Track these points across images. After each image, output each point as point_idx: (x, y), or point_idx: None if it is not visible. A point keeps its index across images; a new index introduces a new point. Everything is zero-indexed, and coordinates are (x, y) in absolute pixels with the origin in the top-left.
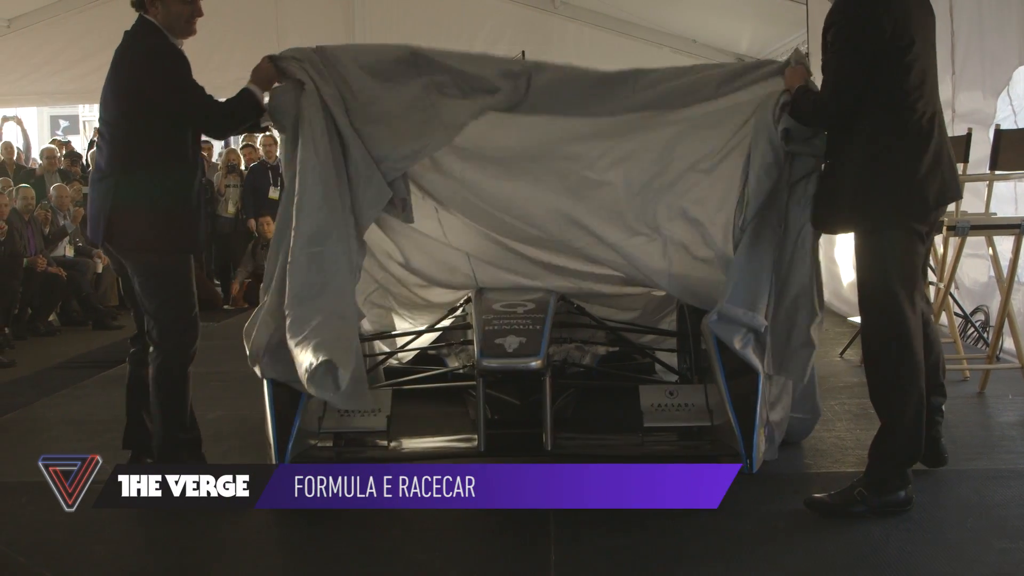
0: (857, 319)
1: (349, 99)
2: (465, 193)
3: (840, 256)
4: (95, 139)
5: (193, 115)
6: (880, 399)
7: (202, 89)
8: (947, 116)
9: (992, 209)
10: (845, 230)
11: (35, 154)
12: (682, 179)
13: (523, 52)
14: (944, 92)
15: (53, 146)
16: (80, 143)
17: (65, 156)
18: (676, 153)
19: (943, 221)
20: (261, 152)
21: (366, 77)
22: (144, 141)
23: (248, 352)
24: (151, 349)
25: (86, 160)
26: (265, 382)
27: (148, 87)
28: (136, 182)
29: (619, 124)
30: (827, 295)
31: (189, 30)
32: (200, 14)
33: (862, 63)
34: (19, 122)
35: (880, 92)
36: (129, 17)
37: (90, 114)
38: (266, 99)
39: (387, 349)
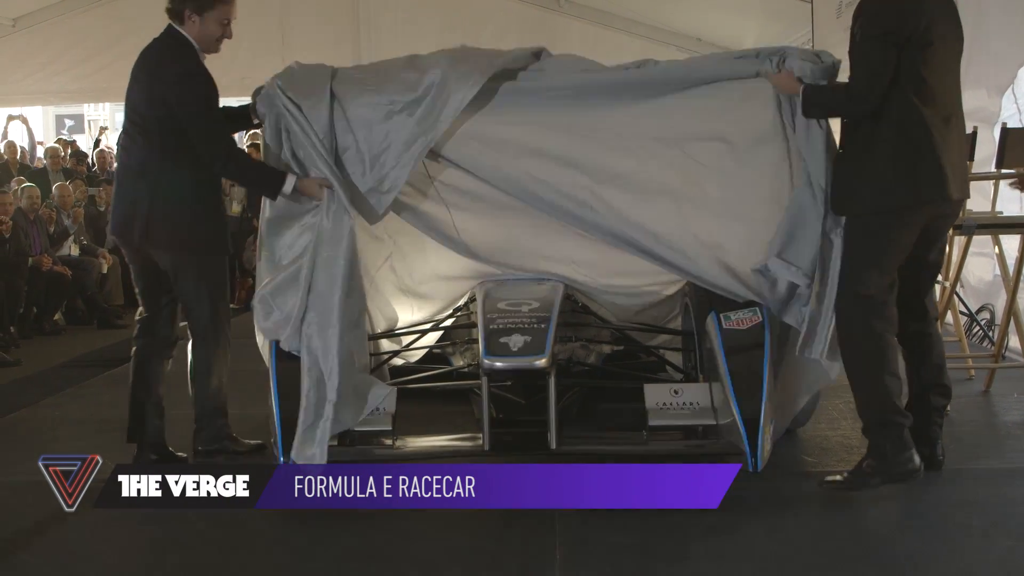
0: None
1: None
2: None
3: None
4: (120, 138)
5: (205, 150)
6: (851, 373)
7: (226, 130)
8: None
9: (999, 208)
10: (842, 212)
11: (40, 153)
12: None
13: None
14: None
15: (57, 145)
16: (85, 142)
17: (71, 155)
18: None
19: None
20: None
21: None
22: (180, 145)
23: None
24: (191, 341)
25: (92, 159)
26: (271, 384)
27: (179, 110)
28: (175, 183)
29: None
30: None
31: (216, 48)
32: (230, 36)
33: (892, 52)
34: (24, 121)
35: (903, 82)
36: (132, 16)
37: (95, 113)
38: (289, 186)
39: (392, 347)
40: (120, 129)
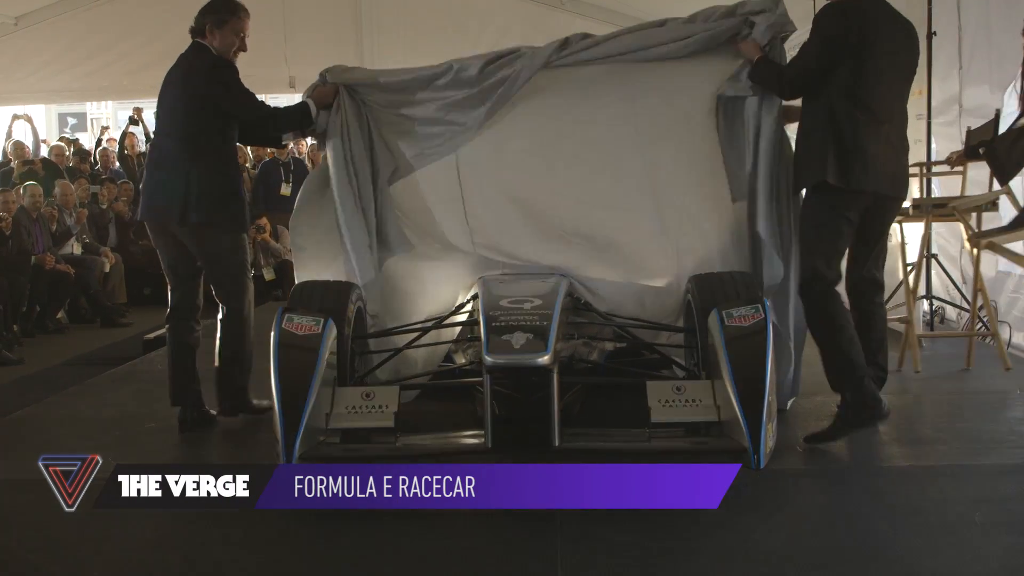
0: None
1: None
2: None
3: None
4: (154, 137)
5: (250, 115)
6: (814, 333)
7: (252, 94)
8: (954, 111)
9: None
10: (794, 189)
11: (44, 152)
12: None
13: None
14: (951, 87)
15: (62, 144)
16: (88, 140)
17: (74, 154)
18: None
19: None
20: (271, 148)
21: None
22: (210, 139)
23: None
24: (221, 310)
25: (95, 157)
26: (273, 382)
27: (216, 94)
28: (203, 173)
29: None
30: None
31: (234, 56)
32: (244, 48)
33: (824, 57)
34: (29, 120)
35: (839, 83)
36: (134, 15)
37: (97, 111)
38: (312, 106)
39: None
40: (122, 127)
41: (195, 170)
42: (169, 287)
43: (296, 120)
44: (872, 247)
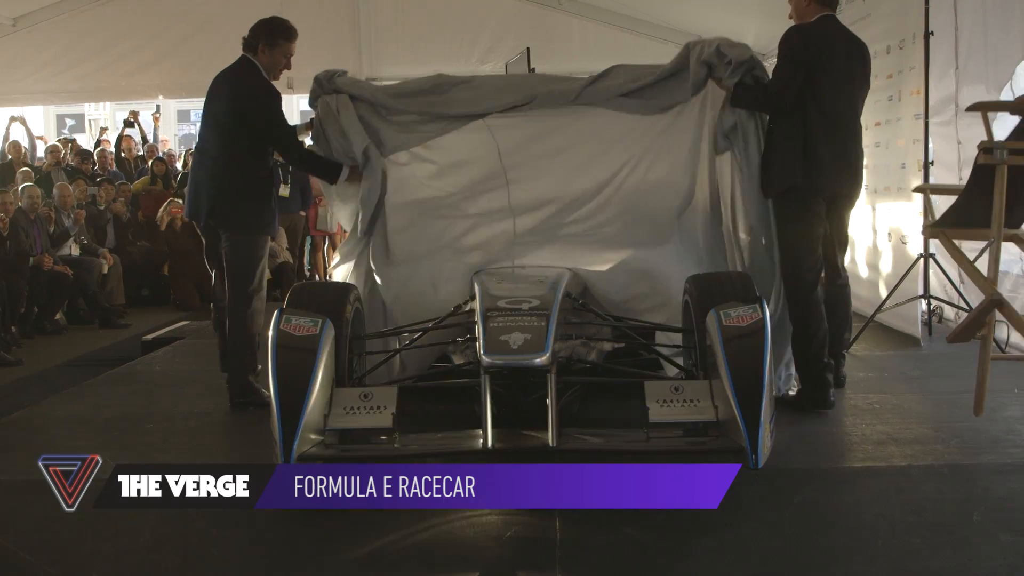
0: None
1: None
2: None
3: (855, 254)
4: (197, 142)
5: (277, 146)
6: (791, 314)
7: (290, 128)
8: (950, 110)
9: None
10: (765, 195)
11: (40, 153)
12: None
13: (527, 49)
14: (947, 87)
15: (58, 144)
16: (86, 141)
17: (75, 154)
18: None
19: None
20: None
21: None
22: (244, 153)
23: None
24: (234, 300)
25: (94, 159)
26: (271, 382)
27: (258, 116)
28: (239, 178)
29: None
30: None
31: (278, 76)
32: (289, 67)
33: (799, 74)
34: (23, 122)
35: (803, 96)
36: (132, 16)
37: (95, 112)
38: (344, 174)
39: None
40: (119, 128)
41: (227, 177)
42: (212, 271)
43: (321, 172)
44: (834, 237)
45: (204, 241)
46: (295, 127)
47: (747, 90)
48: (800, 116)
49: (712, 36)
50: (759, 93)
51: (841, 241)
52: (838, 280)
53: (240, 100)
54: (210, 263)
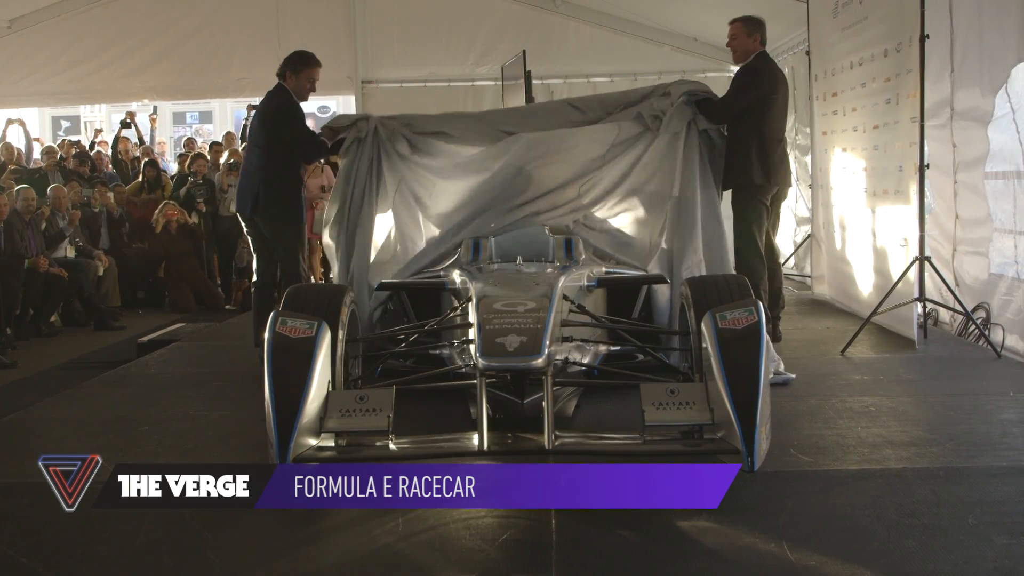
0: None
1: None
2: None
3: (852, 257)
4: (245, 150)
5: (299, 150)
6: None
7: (312, 133)
8: (945, 113)
9: (992, 207)
10: (724, 187)
11: (37, 154)
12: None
13: (524, 52)
14: (942, 90)
15: (54, 146)
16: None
17: (74, 156)
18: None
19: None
20: None
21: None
22: (278, 158)
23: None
24: (282, 279)
25: (91, 160)
26: (266, 385)
27: (282, 129)
28: (275, 179)
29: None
30: (836, 294)
31: (306, 97)
32: (314, 90)
33: (746, 97)
34: (22, 124)
35: (754, 114)
36: (128, 18)
37: (91, 115)
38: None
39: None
40: (115, 129)
41: (265, 178)
42: (255, 261)
43: (315, 151)
44: (773, 223)
45: (248, 233)
46: (317, 133)
47: (711, 104)
48: (755, 130)
49: (706, 39)
50: (721, 107)
51: (775, 226)
52: (775, 257)
53: (272, 117)
54: (253, 249)
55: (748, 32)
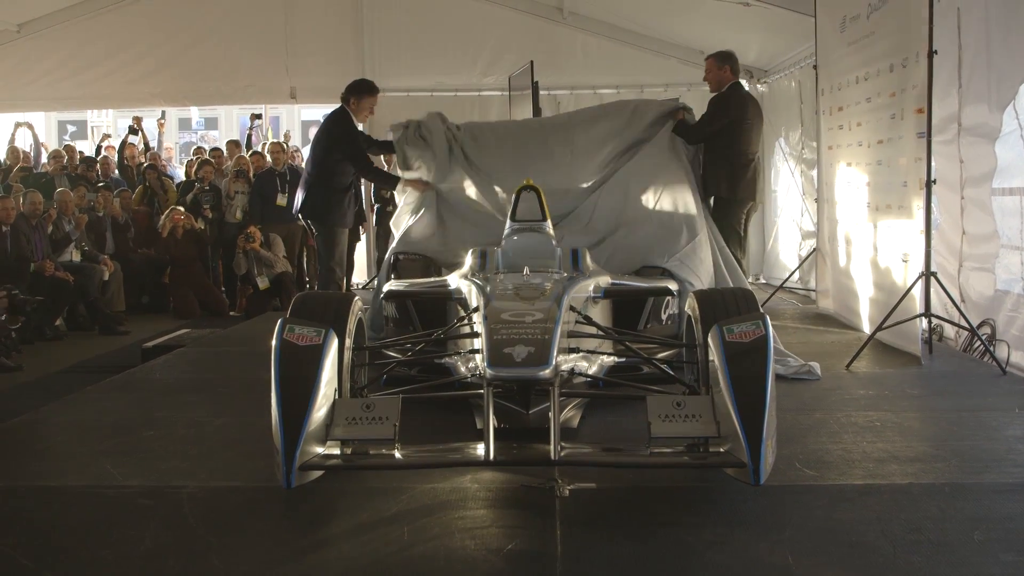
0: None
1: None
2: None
3: (856, 272)
4: (306, 162)
5: (352, 163)
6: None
7: (365, 154)
8: (953, 129)
9: (998, 223)
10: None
11: (44, 158)
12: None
13: (531, 63)
14: (950, 106)
15: (61, 150)
16: (88, 148)
17: (80, 162)
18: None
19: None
20: (269, 160)
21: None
22: (330, 170)
23: None
24: (319, 275)
25: (98, 165)
26: (273, 392)
27: (341, 145)
28: (326, 188)
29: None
30: (841, 309)
31: (364, 119)
32: (372, 112)
33: (717, 123)
34: (31, 127)
35: (728, 136)
36: (136, 24)
37: (97, 119)
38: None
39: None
40: (122, 135)
41: (318, 187)
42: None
43: (382, 182)
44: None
45: (307, 231)
46: (368, 148)
47: (686, 126)
48: (730, 151)
49: (714, 52)
50: (698, 129)
51: (744, 236)
52: (741, 261)
53: (332, 133)
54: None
55: (719, 65)
